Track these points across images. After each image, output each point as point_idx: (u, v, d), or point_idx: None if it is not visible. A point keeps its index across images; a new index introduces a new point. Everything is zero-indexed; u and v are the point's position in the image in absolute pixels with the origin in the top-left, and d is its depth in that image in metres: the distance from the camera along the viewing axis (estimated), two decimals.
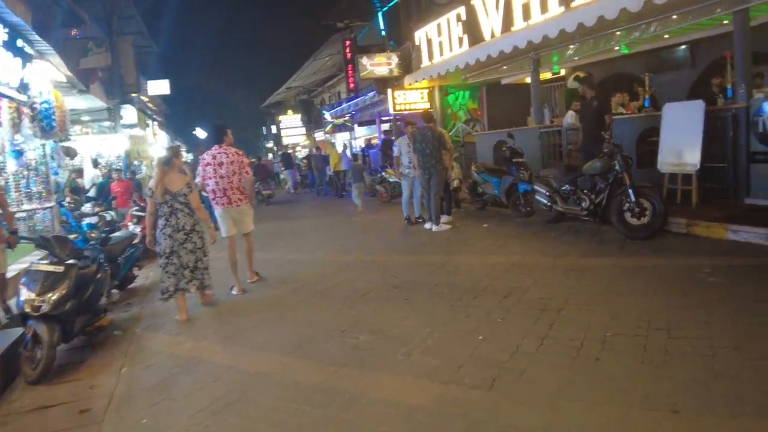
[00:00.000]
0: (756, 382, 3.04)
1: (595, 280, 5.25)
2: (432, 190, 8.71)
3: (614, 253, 6.21)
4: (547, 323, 4.25)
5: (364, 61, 15.29)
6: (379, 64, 15.46)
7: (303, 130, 36.21)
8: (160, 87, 20.74)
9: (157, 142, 22.59)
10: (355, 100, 19.70)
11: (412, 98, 15.09)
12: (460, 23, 12.30)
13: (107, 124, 16.59)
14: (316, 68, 27.15)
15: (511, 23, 10.48)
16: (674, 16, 8.23)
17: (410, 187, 9.46)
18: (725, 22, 8.22)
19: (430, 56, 13.77)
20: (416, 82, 14.33)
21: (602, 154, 7.32)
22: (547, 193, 8.05)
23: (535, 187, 8.32)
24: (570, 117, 11.23)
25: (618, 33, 9.31)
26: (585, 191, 7.45)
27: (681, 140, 7.50)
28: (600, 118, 7.98)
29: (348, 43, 19.54)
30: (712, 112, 7.37)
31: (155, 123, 24.07)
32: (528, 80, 15.54)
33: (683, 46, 11.40)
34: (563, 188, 7.84)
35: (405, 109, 15.05)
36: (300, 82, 29.85)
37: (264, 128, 51.89)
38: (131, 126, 18.06)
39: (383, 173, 13.99)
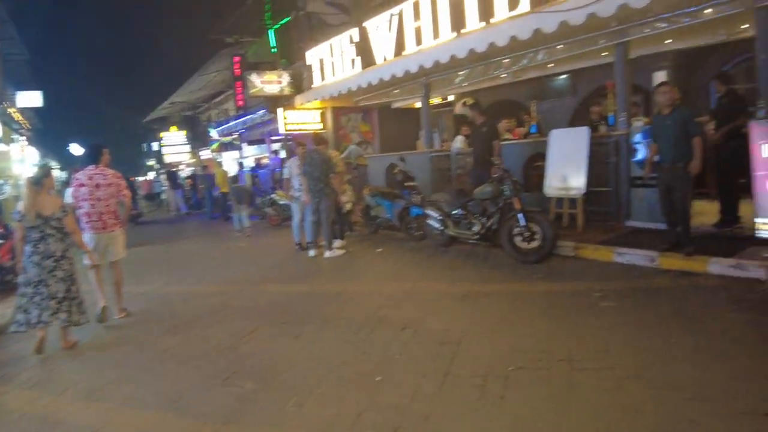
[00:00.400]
0: (661, 414, 2.99)
1: (491, 308, 5.16)
2: (322, 214, 8.39)
3: (507, 279, 6.20)
4: (447, 358, 4.03)
5: (254, 78, 14.70)
6: (269, 82, 14.94)
7: (188, 148, 34.40)
8: (31, 99, 18.94)
9: (26, 160, 20.23)
10: (244, 118, 18.86)
11: (303, 118, 14.72)
12: (352, 45, 12.19)
13: None
14: (202, 83, 25.90)
15: (403, 47, 10.51)
16: (560, 46, 8.63)
17: (302, 210, 9.03)
18: (604, 54, 8.76)
19: (322, 76, 13.52)
20: (308, 102, 14.02)
21: (491, 179, 7.41)
22: (439, 218, 8.00)
23: (427, 211, 8.25)
24: (459, 142, 11.45)
25: (507, 60, 9.61)
26: (476, 216, 7.47)
27: (567, 165, 7.79)
28: (489, 143, 8.11)
29: (237, 59, 18.84)
30: (595, 139, 7.74)
31: (23, 138, 21.59)
32: (418, 105, 15.88)
33: (565, 75, 12.11)
34: (455, 212, 7.82)
35: (296, 130, 14.64)
36: (185, 98, 28.34)
37: (145, 145, 48.74)
38: None
39: (273, 195, 13.41)
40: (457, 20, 9.16)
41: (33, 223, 4.98)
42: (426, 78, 10.92)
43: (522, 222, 6.74)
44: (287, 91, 15.18)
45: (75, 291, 5.19)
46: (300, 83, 15.27)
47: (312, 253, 8.57)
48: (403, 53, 10.50)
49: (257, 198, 14.55)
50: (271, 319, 5.51)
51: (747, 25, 8.12)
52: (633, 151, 7.51)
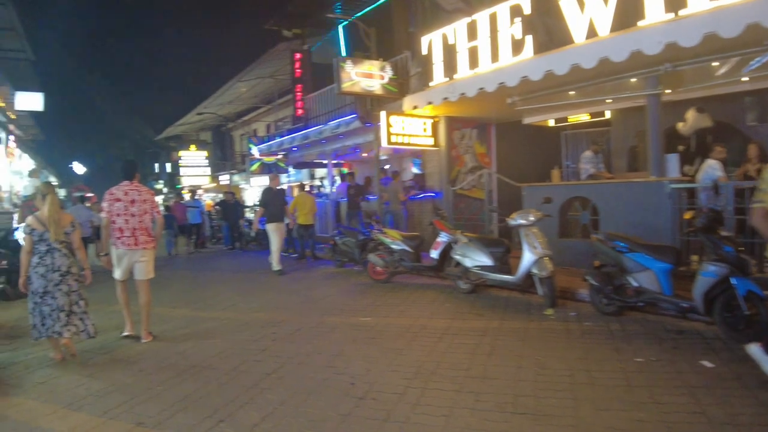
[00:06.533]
0: None
1: None
2: None
3: None
4: None
5: (349, 67, 10.42)
6: (368, 75, 10.71)
7: (208, 170, 30.42)
8: (31, 101, 15.85)
9: (12, 166, 16.36)
10: (306, 131, 14.35)
11: (412, 129, 10.60)
12: (518, 19, 8.21)
13: None
14: (233, 95, 22.17)
15: (641, 15, 6.55)
16: None
17: None
18: None
19: (450, 69, 9.47)
20: (426, 104, 9.82)
21: None
22: None
23: None
24: (717, 169, 7.29)
25: None
26: None
27: None
28: None
29: (299, 56, 14.95)
30: None
31: (12, 139, 17.60)
32: (551, 123, 11.81)
33: None
34: None
35: (402, 143, 10.50)
36: (213, 110, 24.43)
37: (157, 165, 44.58)
38: None
39: (370, 234, 9.17)
40: None
41: (42, 237, 4.95)
42: (667, 66, 6.90)
43: None
44: (384, 90, 10.94)
45: (82, 305, 5.16)
46: (405, 81, 11.16)
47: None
48: (639, 23, 6.52)
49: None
50: None
51: None
52: None
